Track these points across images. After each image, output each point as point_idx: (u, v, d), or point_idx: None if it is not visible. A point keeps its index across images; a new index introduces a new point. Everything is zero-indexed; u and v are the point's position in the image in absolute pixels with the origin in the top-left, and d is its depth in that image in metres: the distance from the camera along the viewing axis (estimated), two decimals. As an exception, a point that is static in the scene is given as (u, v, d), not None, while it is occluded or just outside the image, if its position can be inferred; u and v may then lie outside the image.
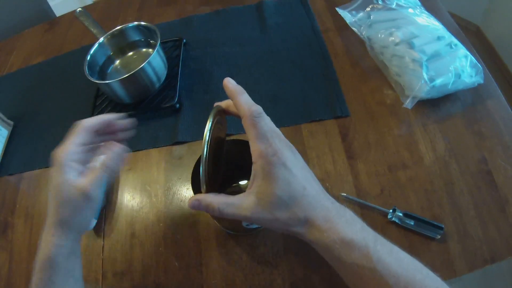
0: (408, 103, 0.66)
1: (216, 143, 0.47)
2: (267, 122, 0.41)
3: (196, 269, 0.60)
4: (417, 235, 0.58)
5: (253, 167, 0.40)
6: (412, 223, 0.58)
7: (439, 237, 0.57)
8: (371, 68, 0.76)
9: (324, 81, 0.75)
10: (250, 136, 0.40)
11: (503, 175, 0.62)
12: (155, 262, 0.62)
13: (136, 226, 0.66)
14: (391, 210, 0.59)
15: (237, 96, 0.42)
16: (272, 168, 0.39)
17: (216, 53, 0.84)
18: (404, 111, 0.69)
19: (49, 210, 0.45)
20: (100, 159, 0.45)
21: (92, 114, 0.79)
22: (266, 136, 0.40)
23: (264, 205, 0.40)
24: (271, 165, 0.39)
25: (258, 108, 0.41)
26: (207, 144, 0.41)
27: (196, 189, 0.52)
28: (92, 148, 0.49)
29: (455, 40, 0.69)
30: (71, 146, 0.45)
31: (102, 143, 0.51)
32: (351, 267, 0.39)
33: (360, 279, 0.40)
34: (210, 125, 0.42)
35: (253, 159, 0.40)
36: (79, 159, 0.45)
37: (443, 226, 0.57)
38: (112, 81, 0.70)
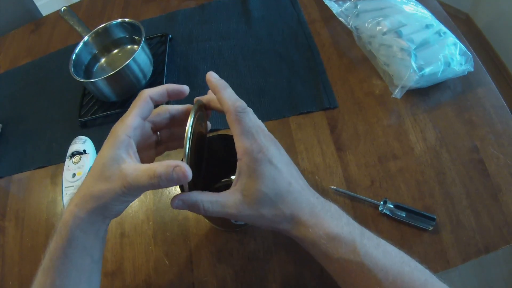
0: (397, 93, 0.65)
1: (198, 139, 0.45)
2: (251, 118, 0.40)
3: (187, 267, 0.59)
4: (409, 226, 0.57)
5: (238, 164, 0.40)
6: (404, 215, 0.57)
7: (431, 228, 0.56)
8: (359, 58, 0.75)
9: (311, 72, 0.74)
10: (235, 132, 0.39)
11: (495, 164, 0.61)
12: (145, 261, 0.61)
13: (126, 225, 0.65)
14: (381, 202, 0.58)
15: (220, 91, 0.41)
16: (258, 165, 0.38)
17: (202, 47, 0.82)
18: (393, 101, 0.68)
19: (85, 179, 0.40)
20: (165, 166, 0.36)
21: (79, 114, 0.77)
22: (251, 132, 0.39)
23: (249, 202, 0.39)
24: (256, 162, 0.38)
25: (242, 104, 0.40)
26: (189, 142, 0.40)
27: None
28: (160, 122, 0.46)
29: (444, 28, 0.68)
30: (130, 120, 0.40)
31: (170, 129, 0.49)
32: (339, 262, 0.39)
33: (348, 274, 0.40)
34: (191, 121, 0.41)
35: (238, 155, 0.39)
36: (138, 135, 0.42)
37: (435, 217, 0.56)
38: (97, 80, 0.68)
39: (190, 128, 0.40)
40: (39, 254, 0.66)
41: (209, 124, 0.51)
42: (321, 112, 0.69)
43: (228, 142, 0.53)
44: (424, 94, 0.68)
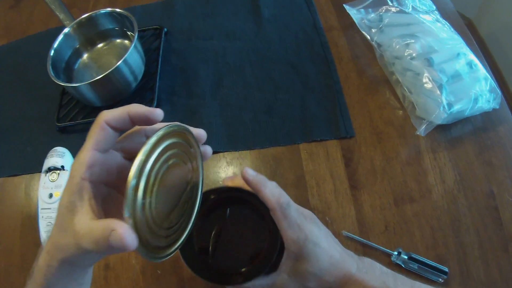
0: (422, 130, 0.60)
1: (174, 185, 0.37)
2: (294, 208, 0.42)
3: None
4: (419, 276, 0.55)
5: (286, 252, 0.42)
6: (416, 267, 0.55)
7: (442, 281, 0.54)
8: (379, 78, 0.68)
9: (327, 91, 0.67)
10: (282, 226, 0.41)
11: (509, 212, 0.59)
12: None
13: (111, 257, 0.59)
14: (395, 253, 0.55)
15: (262, 189, 0.41)
16: (305, 250, 0.41)
17: (202, 47, 0.72)
18: (413, 134, 0.63)
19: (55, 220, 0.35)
20: (101, 229, 0.30)
21: (57, 116, 0.67)
22: (297, 223, 0.41)
23: (295, 280, 0.43)
24: (303, 249, 0.41)
25: (285, 199, 0.41)
26: (133, 188, 0.30)
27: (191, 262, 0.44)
28: (135, 148, 0.36)
29: (474, 59, 0.62)
30: (84, 156, 0.32)
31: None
32: None
33: None
34: (145, 150, 0.31)
35: (286, 245, 0.41)
36: (100, 173, 0.34)
37: (447, 270, 0.55)
38: (80, 84, 0.58)
39: (139, 163, 0.30)
40: (15, 277, 0.60)
41: (209, 152, 0.41)
42: (336, 141, 0.64)
43: (249, 200, 0.46)
44: (446, 128, 0.64)
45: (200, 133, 0.39)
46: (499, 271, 0.56)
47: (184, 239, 0.38)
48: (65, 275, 0.35)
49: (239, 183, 0.45)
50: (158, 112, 0.34)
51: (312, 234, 0.42)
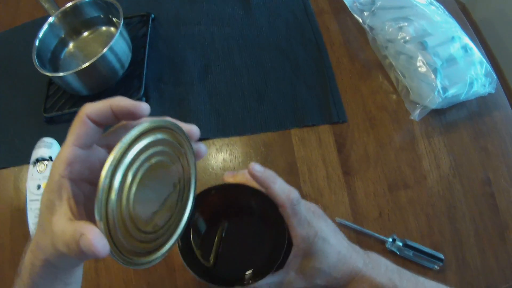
0: (415, 115, 0.59)
1: (160, 181, 0.34)
2: (303, 204, 0.41)
3: None
4: (415, 263, 0.54)
5: (294, 249, 0.41)
6: (411, 254, 0.54)
7: (438, 268, 0.53)
8: (372, 63, 0.67)
9: (318, 77, 0.65)
10: (291, 223, 0.40)
11: (505, 199, 0.58)
12: None
13: None
14: (390, 239, 0.54)
15: (271, 185, 0.39)
16: (314, 247, 0.40)
17: (190, 33, 0.70)
18: (407, 119, 0.62)
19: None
20: (71, 232, 0.29)
21: (44, 106, 0.65)
22: (307, 220, 0.40)
23: (304, 277, 0.42)
24: (312, 246, 0.40)
25: (295, 195, 0.39)
26: (105, 189, 0.28)
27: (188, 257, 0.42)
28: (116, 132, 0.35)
29: (469, 43, 0.61)
30: (64, 153, 0.30)
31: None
32: None
33: None
34: (120, 148, 0.28)
35: (295, 242, 0.40)
36: (81, 170, 0.32)
37: (443, 258, 0.54)
38: (66, 74, 0.56)
39: (112, 161, 0.27)
40: (6, 272, 0.59)
41: (203, 150, 0.38)
42: (328, 126, 0.62)
43: (255, 199, 0.43)
44: (441, 113, 0.62)
45: (192, 129, 0.35)
46: (495, 259, 0.55)
47: (172, 245, 0.35)
48: (49, 275, 0.34)
49: (241, 179, 0.43)
50: (144, 106, 0.31)
51: (321, 230, 0.41)
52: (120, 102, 0.30)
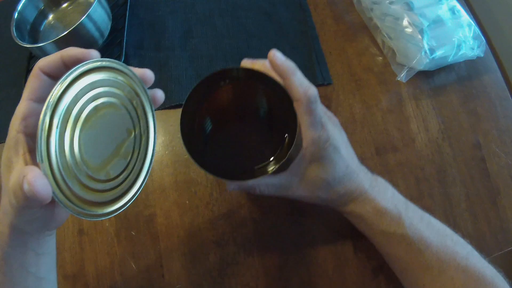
0: (402, 76, 0.56)
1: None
2: (320, 106, 0.38)
3: (157, 272, 0.50)
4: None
5: (303, 152, 0.39)
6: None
7: (429, 233, 0.50)
8: (357, 25, 0.64)
9: (302, 38, 0.62)
10: (304, 122, 0.37)
11: (496, 163, 0.55)
12: (109, 264, 0.50)
13: (84, 221, 0.53)
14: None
15: (290, 77, 0.36)
16: (323, 153, 0.38)
17: (171, -3, 0.66)
18: (394, 81, 0.59)
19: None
20: (15, 177, 0.29)
21: (25, 81, 0.60)
22: (321, 122, 0.37)
23: (306, 186, 0.41)
24: (322, 151, 0.38)
25: (314, 91, 0.36)
26: (45, 131, 0.27)
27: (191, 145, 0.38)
28: None
29: (457, 5, 0.59)
30: (20, 108, 0.31)
31: None
32: (383, 234, 0.41)
33: (391, 246, 0.41)
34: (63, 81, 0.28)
35: (304, 144, 0.38)
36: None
37: (434, 221, 0.50)
38: (44, 44, 0.53)
39: (52, 98, 0.27)
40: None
41: (159, 96, 0.36)
42: (312, 88, 0.58)
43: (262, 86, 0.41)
44: (429, 76, 0.59)
45: (144, 72, 0.34)
46: (487, 224, 0.53)
47: (135, 195, 0.33)
48: (19, 243, 0.33)
49: (259, 67, 0.40)
50: (93, 54, 0.31)
51: (334, 138, 0.38)
52: (70, 51, 0.31)
